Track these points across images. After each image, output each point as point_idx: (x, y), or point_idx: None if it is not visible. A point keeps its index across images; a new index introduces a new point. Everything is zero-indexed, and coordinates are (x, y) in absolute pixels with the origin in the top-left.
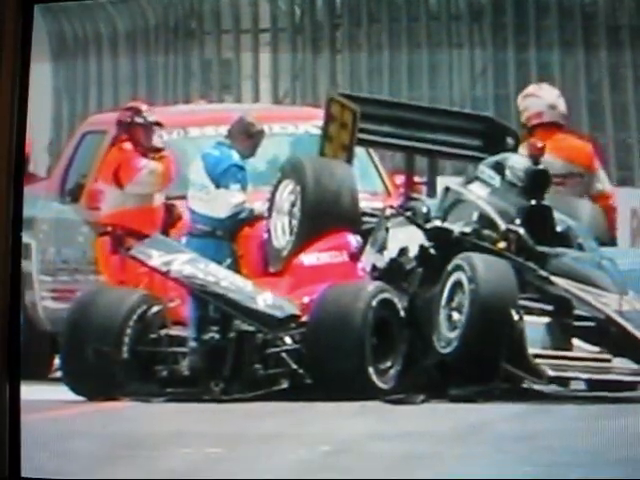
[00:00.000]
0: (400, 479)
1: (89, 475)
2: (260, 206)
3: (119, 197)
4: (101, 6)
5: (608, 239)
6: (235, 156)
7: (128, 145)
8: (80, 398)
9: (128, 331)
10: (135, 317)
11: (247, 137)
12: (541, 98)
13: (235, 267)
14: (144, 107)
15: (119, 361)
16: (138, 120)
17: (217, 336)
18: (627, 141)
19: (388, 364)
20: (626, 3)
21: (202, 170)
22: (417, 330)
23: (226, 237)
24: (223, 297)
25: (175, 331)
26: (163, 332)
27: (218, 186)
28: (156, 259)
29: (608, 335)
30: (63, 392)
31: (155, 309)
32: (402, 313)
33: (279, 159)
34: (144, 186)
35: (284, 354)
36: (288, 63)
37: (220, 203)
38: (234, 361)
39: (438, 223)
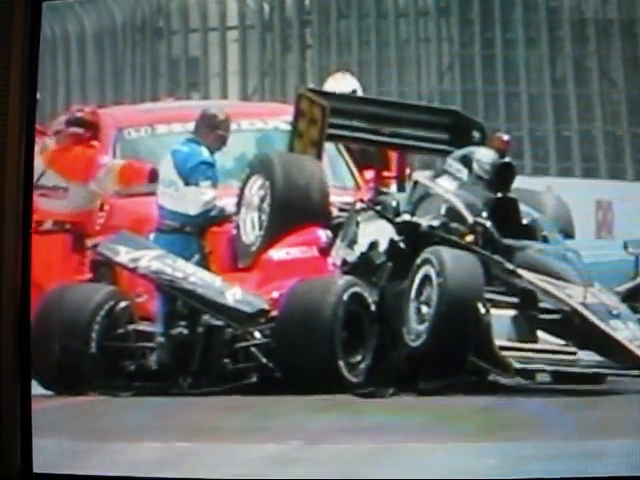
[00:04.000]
0: (369, 474)
1: (57, 469)
2: (231, 205)
3: (87, 196)
4: (69, 6)
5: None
6: (205, 152)
7: (95, 143)
8: (48, 392)
9: (96, 327)
10: (103, 313)
11: (213, 129)
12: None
13: (204, 263)
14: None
15: (87, 356)
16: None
17: (185, 331)
18: (591, 133)
19: (358, 358)
20: None
21: (171, 167)
22: (387, 324)
23: (195, 233)
24: (191, 293)
25: (143, 326)
26: (131, 327)
27: (187, 183)
28: (123, 255)
29: (573, 327)
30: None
31: (123, 304)
32: (372, 307)
33: (248, 155)
34: (101, 184)
35: (253, 348)
36: (257, 60)
37: (190, 200)
38: (202, 356)
39: (407, 217)
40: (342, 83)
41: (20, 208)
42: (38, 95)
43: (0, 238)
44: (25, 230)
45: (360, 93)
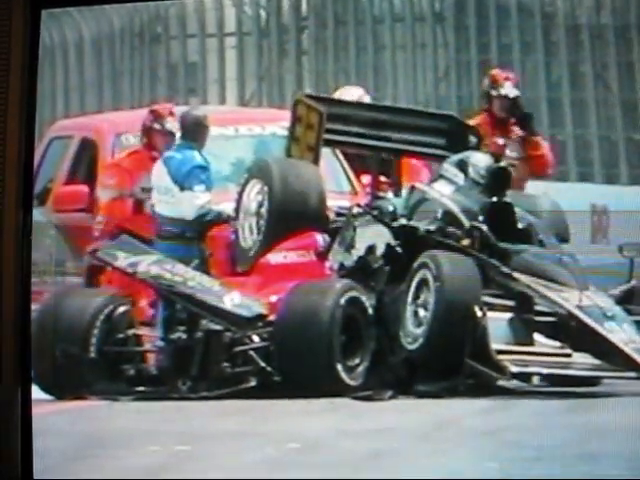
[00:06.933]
0: (367, 477)
1: (58, 474)
2: (228, 207)
3: None
4: (67, 13)
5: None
6: (198, 157)
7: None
8: (49, 397)
9: (95, 331)
10: (102, 317)
11: (204, 128)
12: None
13: (203, 267)
14: (166, 112)
15: (87, 361)
16: (156, 126)
17: (184, 336)
18: (586, 137)
19: (356, 361)
20: (584, 3)
21: (165, 174)
22: (385, 327)
23: (194, 238)
24: (190, 297)
25: (142, 331)
26: (130, 332)
27: (182, 189)
28: (122, 260)
29: (569, 330)
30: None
31: (122, 309)
32: (370, 311)
33: (246, 160)
34: None
35: (252, 352)
36: (254, 66)
37: (186, 205)
38: (202, 360)
39: (404, 221)
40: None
41: (20, 215)
42: None
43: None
44: (24, 240)
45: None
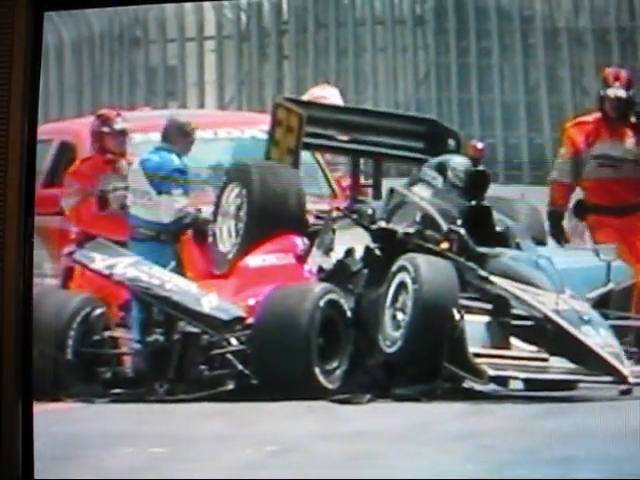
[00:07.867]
0: (346, 479)
1: (34, 475)
2: (205, 210)
3: None
4: (48, 17)
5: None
6: (176, 160)
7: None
8: None
9: (72, 333)
10: (78, 319)
11: (185, 136)
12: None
13: (180, 270)
14: (113, 115)
15: (63, 363)
16: (105, 129)
17: (161, 338)
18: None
19: (334, 364)
20: (563, 6)
21: (142, 176)
22: (363, 330)
23: (170, 240)
24: (168, 300)
25: (119, 333)
26: (107, 334)
27: (160, 192)
28: (99, 262)
29: (545, 334)
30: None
31: (99, 311)
32: (348, 314)
33: (225, 164)
34: None
35: (230, 355)
36: (234, 69)
37: (163, 209)
38: (179, 362)
39: (383, 224)
40: (324, 92)
41: (22, 219)
42: None
43: (2, 249)
44: (26, 251)
45: (337, 101)
